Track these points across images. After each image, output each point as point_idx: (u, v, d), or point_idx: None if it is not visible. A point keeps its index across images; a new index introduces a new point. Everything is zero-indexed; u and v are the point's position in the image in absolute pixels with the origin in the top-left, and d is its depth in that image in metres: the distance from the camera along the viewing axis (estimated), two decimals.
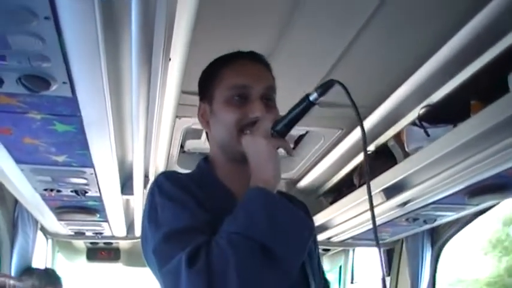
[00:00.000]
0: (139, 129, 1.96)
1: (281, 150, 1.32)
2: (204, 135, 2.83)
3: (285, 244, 1.16)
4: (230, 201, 1.31)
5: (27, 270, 3.61)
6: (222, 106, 1.37)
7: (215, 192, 1.37)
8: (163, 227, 1.20)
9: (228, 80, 1.38)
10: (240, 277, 1.09)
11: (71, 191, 2.80)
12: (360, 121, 1.25)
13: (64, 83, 1.55)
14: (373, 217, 1.26)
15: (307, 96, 1.25)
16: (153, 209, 1.26)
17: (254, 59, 1.43)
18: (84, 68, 1.48)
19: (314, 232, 1.29)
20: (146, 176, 2.65)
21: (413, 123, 2.43)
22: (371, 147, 2.78)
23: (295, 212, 1.22)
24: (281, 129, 1.28)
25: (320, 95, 1.24)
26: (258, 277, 1.12)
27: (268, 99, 1.37)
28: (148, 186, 2.43)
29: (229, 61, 1.42)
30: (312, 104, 1.25)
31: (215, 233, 1.17)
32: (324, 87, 1.24)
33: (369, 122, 2.50)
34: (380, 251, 1.28)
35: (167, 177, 1.32)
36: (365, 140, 1.28)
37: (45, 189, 2.77)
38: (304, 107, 1.26)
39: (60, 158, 2.27)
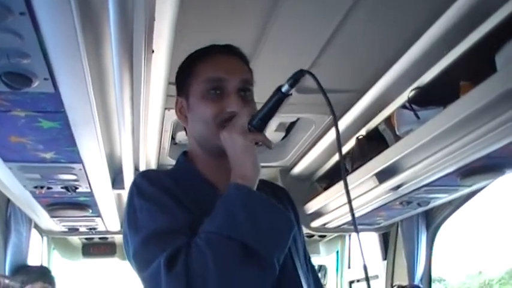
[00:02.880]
0: (126, 123, 1.94)
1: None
2: None
3: (265, 241, 1.15)
4: (213, 194, 1.31)
5: (20, 268, 3.59)
6: (198, 101, 1.36)
7: (197, 186, 1.36)
8: (141, 231, 1.20)
9: (202, 74, 1.36)
10: (219, 277, 1.09)
11: (61, 188, 2.78)
12: (331, 109, 1.26)
13: (45, 79, 1.52)
14: (352, 210, 1.25)
15: (279, 88, 1.26)
16: (132, 212, 1.25)
17: (229, 52, 1.42)
18: (64, 62, 1.46)
19: (295, 225, 1.27)
20: (137, 170, 2.64)
21: (403, 106, 2.42)
22: (362, 132, 2.77)
23: (276, 208, 1.21)
24: (257, 124, 1.27)
25: (291, 86, 1.24)
26: (239, 276, 1.11)
27: (245, 92, 1.36)
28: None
29: (203, 55, 1.40)
30: (284, 95, 1.26)
31: (196, 234, 1.16)
32: (294, 78, 1.24)
33: (359, 107, 2.49)
34: (358, 237, 1.28)
35: (145, 177, 1.32)
36: (338, 133, 1.33)
37: (35, 187, 2.75)
38: (277, 99, 1.26)
39: (48, 155, 2.25)
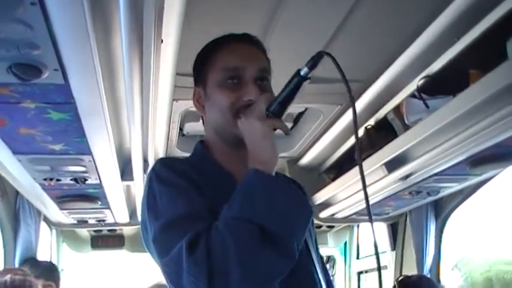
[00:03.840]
0: (135, 114, 1.94)
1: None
2: None
3: (284, 225, 1.15)
4: (229, 181, 1.32)
5: (28, 262, 3.59)
6: (216, 90, 1.36)
7: (214, 175, 1.37)
8: (162, 216, 1.21)
9: (220, 62, 1.37)
10: (240, 261, 1.09)
11: (71, 179, 2.78)
12: (350, 94, 1.26)
13: (55, 70, 1.52)
14: (366, 196, 1.24)
15: (298, 71, 1.24)
16: (152, 197, 1.26)
17: (246, 41, 1.41)
18: (74, 53, 1.46)
19: (312, 211, 1.27)
20: (146, 161, 2.64)
21: (412, 95, 2.40)
22: (371, 122, 2.76)
23: (294, 192, 1.24)
24: (275, 109, 1.26)
25: (310, 68, 1.23)
26: (258, 260, 1.11)
27: (262, 81, 1.35)
28: (149, 170, 2.41)
29: (221, 44, 1.40)
30: (303, 78, 1.24)
31: (216, 218, 1.16)
32: (314, 60, 1.23)
33: (368, 96, 2.48)
34: (372, 226, 1.27)
35: (164, 164, 1.33)
36: (355, 118, 1.30)
37: (45, 179, 2.75)
38: (296, 83, 1.25)
39: (57, 147, 2.25)
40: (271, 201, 1.16)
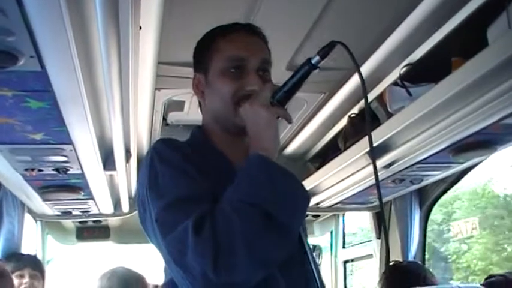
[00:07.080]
0: (115, 103, 1.91)
1: None
2: (186, 107, 2.79)
3: (286, 210, 1.18)
4: (228, 167, 1.35)
5: (11, 255, 3.56)
6: (218, 78, 1.39)
7: (213, 159, 1.39)
8: (166, 196, 1.21)
9: (224, 51, 1.39)
10: (245, 243, 1.11)
11: (52, 170, 2.75)
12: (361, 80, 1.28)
13: (31, 56, 1.51)
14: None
15: (309, 60, 1.25)
16: (153, 176, 1.25)
17: (251, 31, 1.44)
18: (50, 39, 1.44)
19: (310, 197, 1.32)
20: (128, 151, 2.61)
21: (395, 83, 2.40)
22: (354, 110, 2.76)
23: (295, 179, 1.25)
24: (280, 97, 1.28)
25: (322, 57, 1.23)
26: (263, 242, 1.14)
27: (263, 72, 1.39)
28: (131, 160, 2.39)
29: (226, 32, 1.43)
30: (313, 67, 1.25)
31: (216, 201, 1.18)
32: (326, 49, 1.23)
33: (351, 85, 2.48)
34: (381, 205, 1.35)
35: (166, 144, 1.32)
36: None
37: (26, 169, 2.72)
38: (305, 71, 1.26)
39: (38, 136, 2.22)
40: (275, 187, 1.19)
